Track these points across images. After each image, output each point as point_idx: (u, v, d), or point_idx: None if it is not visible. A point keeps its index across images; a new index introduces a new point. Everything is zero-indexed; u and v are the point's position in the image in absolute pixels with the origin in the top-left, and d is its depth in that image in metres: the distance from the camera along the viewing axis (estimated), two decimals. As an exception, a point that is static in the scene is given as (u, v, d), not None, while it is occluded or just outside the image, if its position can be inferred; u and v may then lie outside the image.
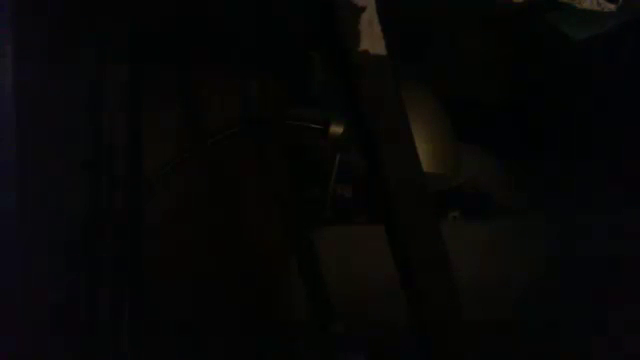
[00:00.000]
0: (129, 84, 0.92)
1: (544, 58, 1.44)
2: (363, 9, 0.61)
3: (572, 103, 1.42)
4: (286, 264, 1.26)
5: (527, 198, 1.43)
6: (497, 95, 1.50)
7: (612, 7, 1.01)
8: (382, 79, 0.63)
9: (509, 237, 1.32)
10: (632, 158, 1.30)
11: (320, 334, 1.22)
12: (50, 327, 0.78)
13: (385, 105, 0.64)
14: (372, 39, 0.62)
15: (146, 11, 0.99)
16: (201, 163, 1.23)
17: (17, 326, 0.71)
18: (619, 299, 1.21)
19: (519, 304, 1.27)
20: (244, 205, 1.31)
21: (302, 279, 1.21)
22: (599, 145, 1.36)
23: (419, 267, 0.66)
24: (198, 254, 1.23)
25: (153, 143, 1.04)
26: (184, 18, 1.12)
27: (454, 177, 1.33)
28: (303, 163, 1.34)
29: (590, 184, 1.34)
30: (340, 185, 1.36)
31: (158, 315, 1.09)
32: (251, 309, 1.28)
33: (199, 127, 1.23)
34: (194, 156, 1.17)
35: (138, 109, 0.98)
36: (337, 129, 1.13)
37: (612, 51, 1.32)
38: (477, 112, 1.43)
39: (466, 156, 1.36)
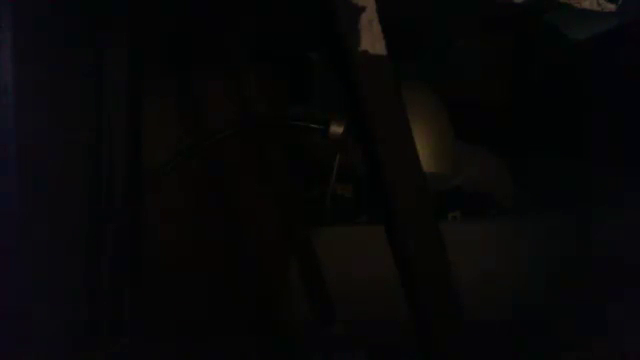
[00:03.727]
0: (129, 83, 0.92)
1: (544, 58, 1.44)
2: (363, 9, 0.61)
3: (572, 103, 1.42)
4: (286, 264, 1.26)
5: (527, 198, 1.43)
6: (497, 95, 1.50)
7: (612, 7, 1.01)
8: (382, 79, 0.63)
9: (509, 237, 1.32)
10: (632, 158, 1.30)
11: (320, 334, 1.22)
12: (50, 327, 0.78)
13: (385, 105, 0.64)
14: (372, 39, 0.62)
15: (146, 10, 0.99)
16: (201, 163, 1.23)
17: (17, 326, 0.71)
18: (619, 299, 1.21)
19: (519, 304, 1.27)
20: (244, 205, 1.30)
21: (302, 279, 1.21)
22: (599, 145, 1.36)
23: (419, 267, 0.66)
24: (198, 254, 1.22)
25: (153, 142, 1.05)
26: (184, 17, 1.12)
27: (454, 177, 1.33)
28: (303, 163, 1.34)
29: (590, 184, 1.34)
30: (340, 185, 1.36)
31: (158, 315, 1.09)
32: (251, 309, 1.28)
33: (199, 127, 1.23)
34: (194, 156, 1.17)
35: (138, 108, 0.98)
36: (337, 129, 1.13)
37: (612, 51, 1.32)
38: (477, 112, 1.43)
39: (466, 156, 1.36)
